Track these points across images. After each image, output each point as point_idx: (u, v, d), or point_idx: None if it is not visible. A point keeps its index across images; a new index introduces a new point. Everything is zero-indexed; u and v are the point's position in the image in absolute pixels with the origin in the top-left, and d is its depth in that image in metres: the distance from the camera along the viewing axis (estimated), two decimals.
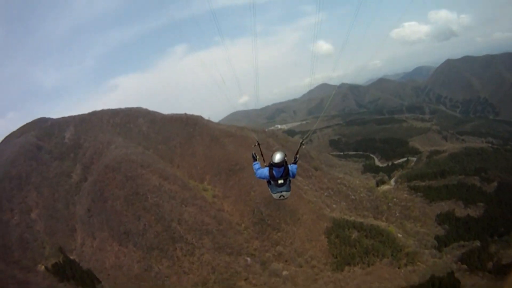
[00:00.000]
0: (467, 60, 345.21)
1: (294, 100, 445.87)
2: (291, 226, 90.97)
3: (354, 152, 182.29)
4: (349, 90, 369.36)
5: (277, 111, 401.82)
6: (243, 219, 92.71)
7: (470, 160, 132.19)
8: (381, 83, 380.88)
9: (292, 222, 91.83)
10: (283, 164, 13.32)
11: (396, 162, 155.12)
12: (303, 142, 15.79)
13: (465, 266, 72.71)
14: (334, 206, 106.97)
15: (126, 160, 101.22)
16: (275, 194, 14.13)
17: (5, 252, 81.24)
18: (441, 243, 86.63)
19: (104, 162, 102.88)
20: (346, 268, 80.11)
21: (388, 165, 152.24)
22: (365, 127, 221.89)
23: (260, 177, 14.48)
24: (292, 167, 13.94)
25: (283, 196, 14.12)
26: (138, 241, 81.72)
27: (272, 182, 13.90)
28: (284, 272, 79.44)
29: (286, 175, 13.59)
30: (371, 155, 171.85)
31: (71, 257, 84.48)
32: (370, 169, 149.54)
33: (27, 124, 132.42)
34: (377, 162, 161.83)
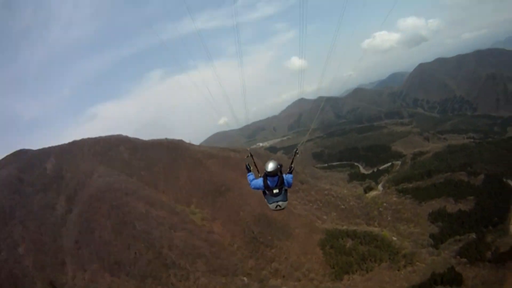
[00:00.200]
0: (439, 62, 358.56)
1: (274, 117, 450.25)
2: (284, 242, 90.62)
3: (338, 163, 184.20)
4: (327, 103, 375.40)
5: (257, 129, 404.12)
6: (235, 239, 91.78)
7: (455, 157, 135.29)
8: (357, 92, 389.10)
9: (284, 238, 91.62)
10: (277, 173, 13.50)
11: (381, 167, 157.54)
12: (297, 151, 15.99)
13: (464, 260, 73.07)
14: (325, 217, 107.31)
15: (110, 189, 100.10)
16: (271, 205, 14.21)
17: None
18: (437, 240, 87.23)
19: (88, 192, 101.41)
20: (345, 277, 79.67)
21: (373, 171, 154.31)
22: (347, 137, 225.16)
23: (255, 188, 14.51)
24: (287, 177, 14.06)
25: (280, 206, 14.21)
26: (130, 270, 79.34)
27: (267, 192, 14.02)
28: None
29: (281, 184, 13.72)
30: (356, 164, 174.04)
31: None
32: (356, 177, 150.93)
33: (7, 156, 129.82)
34: (362, 170, 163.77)
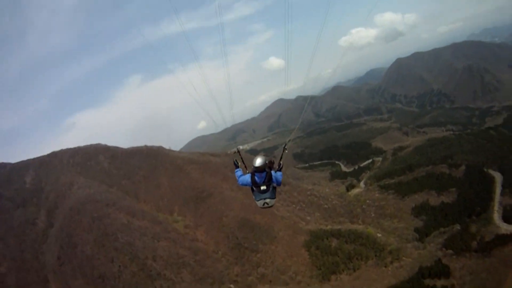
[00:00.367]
0: (416, 57, 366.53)
1: (253, 119, 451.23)
2: (269, 246, 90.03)
3: (319, 162, 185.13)
4: (306, 101, 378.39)
5: (237, 132, 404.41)
6: (219, 246, 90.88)
7: (435, 150, 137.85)
8: (335, 90, 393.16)
9: (269, 242, 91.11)
10: (264, 169, 13.44)
11: (362, 165, 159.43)
12: (285, 147, 15.98)
13: (450, 251, 73.69)
14: (308, 218, 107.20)
15: (91, 201, 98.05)
16: (259, 202, 14.17)
17: None
18: (422, 234, 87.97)
19: (68, 205, 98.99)
20: (333, 277, 79.46)
21: (354, 169, 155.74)
22: (326, 136, 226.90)
23: (242, 184, 14.41)
24: (276, 174, 13.91)
25: (267, 203, 14.14)
26: (115, 284, 76.99)
27: (254, 188, 13.93)
28: None
29: (268, 181, 13.58)
30: (337, 162, 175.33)
31: None
32: (338, 175, 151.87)
33: None
34: (344, 168, 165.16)
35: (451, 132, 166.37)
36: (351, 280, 77.03)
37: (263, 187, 13.63)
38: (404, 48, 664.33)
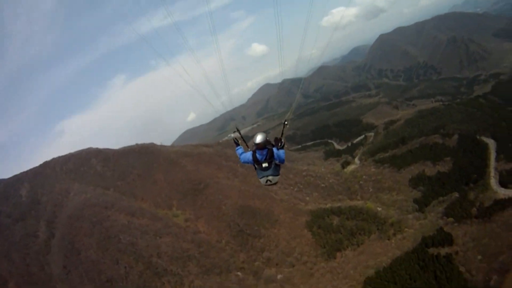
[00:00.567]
0: (399, 31, 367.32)
1: (241, 106, 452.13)
2: (271, 230, 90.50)
3: (312, 142, 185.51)
4: (292, 84, 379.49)
5: (226, 121, 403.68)
6: (222, 235, 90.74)
7: (426, 121, 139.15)
8: (321, 70, 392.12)
9: (270, 226, 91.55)
10: (265, 145, 13.43)
11: (355, 141, 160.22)
12: (286, 122, 15.67)
13: (451, 219, 74.69)
14: (307, 198, 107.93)
15: (88, 206, 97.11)
16: (262, 179, 14.14)
17: None
18: (421, 204, 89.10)
19: (67, 213, 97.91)
20: (338, 254, 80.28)
21: (348, 146, 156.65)
22: (317, 116, 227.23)
23: (244, 162, 14.42)
24: (278, 152, 13.72)
25: (270, 180, 14.08)
26: (123, 285, 76.71)
27: (256, 166, 13.93)
28: (279, 276, 77.86)
29: (270, 158, 13.51)
30: (329, 141, 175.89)
31: None
32: (332, 154, 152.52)
33: None
34: (337, 146, 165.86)
35: (441, 103, 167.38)
36: (356, 255, 77.92)
37: (264, 164, 13.64)
38: (387, 24, 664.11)
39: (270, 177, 13.97)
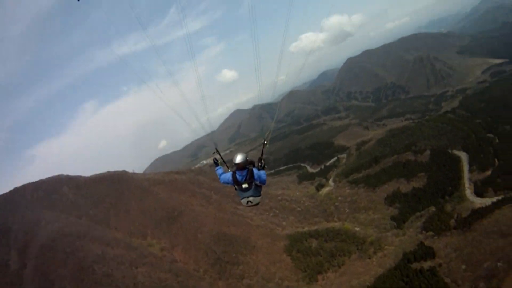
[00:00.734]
0: (367, 54, 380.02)
1: (213, 133, 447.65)
2: (250, 256, 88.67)
3: (285, 166, 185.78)
4: (263, 110, 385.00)
5: (198, 147, 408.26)
6: (199, 263, 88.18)
7: (398, 140, 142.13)
8: (291, 95, 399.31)
9: (248, 252, 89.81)
10: (245, 165, 13.39)
11: (328, 163, 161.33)
12: (265, 142, 15.63)
13: (431, 233, 75.01)
14: (284, 223, 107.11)
15: (61, 235, 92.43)
16: (243, 200, 14.06)
17: None
18: (399, 221, 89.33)
19: (39, 242, 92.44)
20: (319, 277, 79.12)
21: (321, 168, 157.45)
22: (288, 140, 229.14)
23: (224, 182, 14.31)
24: (259, 173, 13.71)
25: (251, 201, 14.04)
26: None
27: (236, 187, 13.85)
28: None
29: (250, 178, 13.47)
30: (302, 164, 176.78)
31: None
32: (305, 177, 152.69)
33: None
34: (310, 169, 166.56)
35: (411, 121, 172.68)
36: (338, 277, 76.85)
37: (244, 185, 13.51)
38: (354, 48, 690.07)
39: (250, 198, 13.87)
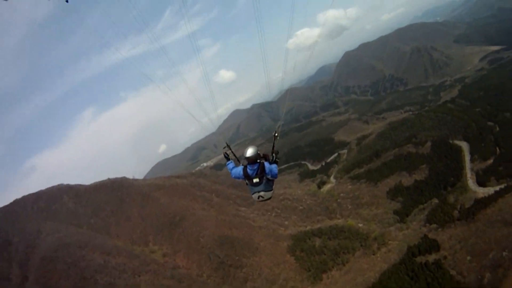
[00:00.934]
0: (363, 47, 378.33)
1: (212, 134, 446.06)
2: (253, 258, 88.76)
3: (285, 165, 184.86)
4: (262, 109, 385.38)
5: (198, 150, 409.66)
6: (202, 268, 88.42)
7: (398, 133, 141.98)
8: (290, 93, 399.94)
9: (251, 254, 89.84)
10: (256, 159, 13.23)
11: (328, 160, 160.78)
12: (276, 134, 15.52)
13: (434, 225, 75.20)
14: (286, 223, 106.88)
15: (62, 246, 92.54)
16: (254, 195, 13.93)
17: None
18: (402, 215, 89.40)
19: (40, 254, 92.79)
20: (324, 276, 79.37)
21: (322, 165, 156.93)
22: (288, 138, 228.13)
23: (235, 177, 14.26)
24: (271, 167, 13.59)
25: (262, 196, 13.87)
26: None
27: (247, 181, 13.74)
28: None
29: (261, 173, 13.31)
30: (303, 162, 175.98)
31: None
32: (306, 175, 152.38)
33: None
34: (311, 167, 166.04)
35: (410, 113, 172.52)
36: (342, 275, 76.98)
37: (255, 180, 13.36)
38: (351, 41, 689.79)
39: (262, 193, 13.68)
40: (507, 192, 69.64)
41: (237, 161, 15.62)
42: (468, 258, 58.70)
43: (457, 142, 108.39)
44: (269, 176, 13.47)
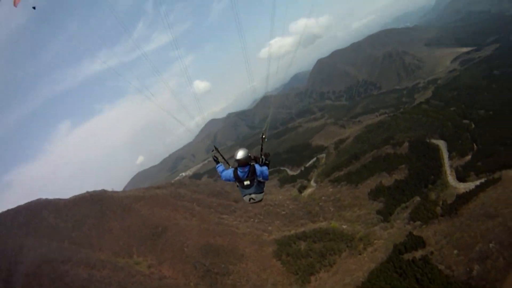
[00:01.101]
0: (336, 54, 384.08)
1: (189, 144, 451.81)
2: (239, 265, 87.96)
3: None
4: (238, 117, 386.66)
5: (176, 160, 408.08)
6: (189, 277, 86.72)
7: (375, 135, 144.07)
8: (265, 100, 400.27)
9: (237, 261, 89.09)
10: (246, 162, 13.20)
11: (307, 165, 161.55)
12: (264, 136, 15.66)
13: (418, 222, 75.94)
14: (269, 228, 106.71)
15: (45, 261, 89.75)
16: (244, 197, 14.02)
17: None
18: (385, 214, 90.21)
19: (23, 270, 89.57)
20: (312, 278, 78.91)
21: (301, 170, 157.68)
22: (266, 145, 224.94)
23: (225, 179, 14.07)
24: (262, 169, 13.67)
25: (253, 199, 13.98)
26: None
27: (238, 184, 13.77)
28: None
29: (252, 175, 13.35)
30: (282, 168, 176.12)
31: None
32: (286, 180, 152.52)
33: None
34: (290, 172, 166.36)
35: (386, 115, 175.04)
36: (331, 276, 76.76)
37: (246, 182, 13.40)
38: (324, 49, 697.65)
39: (253, 195, 13.80)
40: (487, 186, 71.26)
41: (227, 163, 15.48)
42: (455, 252, 59.29)
43: (434, 141, 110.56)
44: (260, 179, 13.49)
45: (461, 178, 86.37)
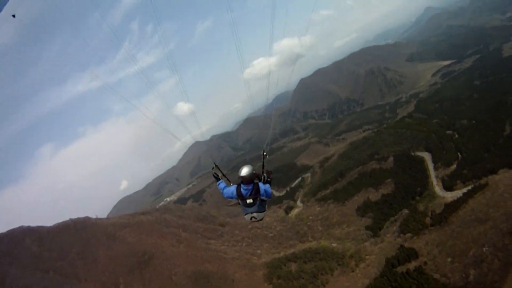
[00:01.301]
0: (318, 73, 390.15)
1: (173, 168, 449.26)
2: None
3: None
4: (221, 139, 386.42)
5: (161, 184, 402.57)
6: None
7: (360, 151, 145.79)
8: (248, 122, 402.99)
9: (228, 287, 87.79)
10: (252, 179, 13.09)
11: (293, 185, 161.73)
12: (265, 153, 15.73)
13: (409, 234, 76.14)
14: (258, 251, 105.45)
15: None
16: (246, 216, 13.70)
17: None
18: (375, 229, 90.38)
19: None
20: None
21: (287, 191, 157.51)
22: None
23: (228, 197, 13.99)
24: (265, 186, 13.49)
25: (255, 217, 13.61)
26: None
27: (240, 202, 13.42)
28: None
29: (255, 193, 13.07)
30: None
31: None
32: (272, 202, 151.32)
33: None
34: (276, 193, 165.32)
35: (370, 131, 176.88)
36: None
37: (249, 200, 13.06)
38: (306, 68, 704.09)
39: (255, 214, 13.39)
40: (475, 192, 72.19)
41: (228, 180, 15.49)
42: (449, 259, 59.36)
43: (419, 153, 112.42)
44: (263, 197, 13.28)
45: (448, 188, 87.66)
